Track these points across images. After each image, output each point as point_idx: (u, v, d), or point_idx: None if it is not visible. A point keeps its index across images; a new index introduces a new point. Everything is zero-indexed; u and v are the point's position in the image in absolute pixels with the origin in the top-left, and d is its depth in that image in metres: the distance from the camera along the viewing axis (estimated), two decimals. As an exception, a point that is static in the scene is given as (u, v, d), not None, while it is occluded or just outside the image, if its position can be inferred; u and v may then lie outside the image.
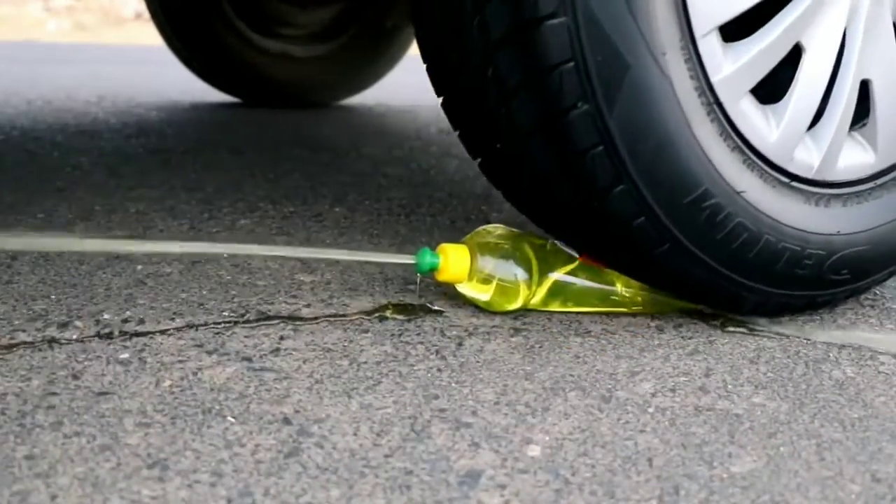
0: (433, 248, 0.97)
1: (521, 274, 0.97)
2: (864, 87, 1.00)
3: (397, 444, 0.71)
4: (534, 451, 0.71)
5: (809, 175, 0.99)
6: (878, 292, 1.17)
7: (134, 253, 1.15)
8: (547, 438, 0.74)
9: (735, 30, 0.92)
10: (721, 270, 0.96)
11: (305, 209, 1.46)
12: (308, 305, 1.00)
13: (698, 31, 0.88)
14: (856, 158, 1.02)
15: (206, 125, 2.42)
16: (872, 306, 1.12)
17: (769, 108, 0.96)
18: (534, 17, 0.83)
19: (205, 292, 1.02)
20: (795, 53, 0.95)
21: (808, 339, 0.99)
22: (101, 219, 1.33)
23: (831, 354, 0.95)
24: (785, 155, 0.96)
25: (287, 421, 0.74)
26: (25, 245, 0.96)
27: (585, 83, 0.85)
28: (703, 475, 0.69)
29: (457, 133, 1.03)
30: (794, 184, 0.98)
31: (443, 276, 0.97)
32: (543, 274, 0.98)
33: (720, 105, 0.91)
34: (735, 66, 0.91)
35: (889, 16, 0.99)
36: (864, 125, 1.03)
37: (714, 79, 0.90)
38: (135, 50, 2.78)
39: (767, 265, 0.97)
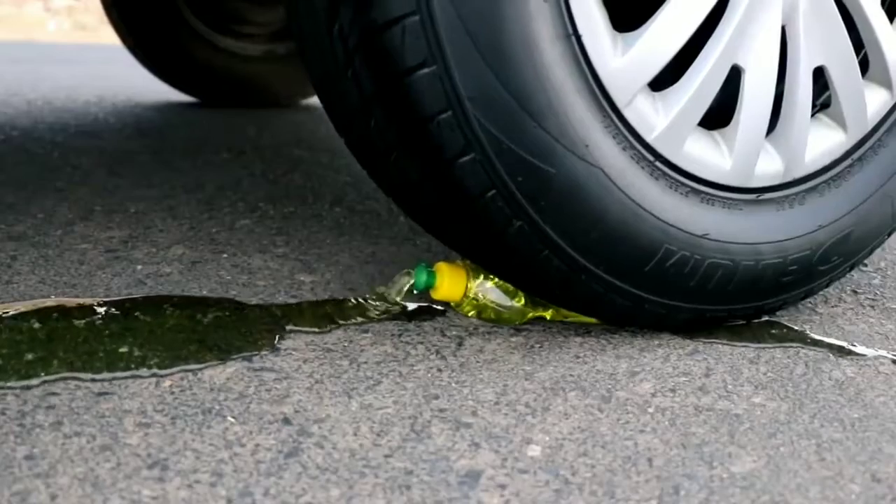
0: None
1: (515, 303, 0.97)
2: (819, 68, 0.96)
3: (397, 444, 0.71)
4: (534, 451, 0.71)
5: (777, 181, 0.96)
6: (878, 292, 1.17)
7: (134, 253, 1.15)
8: (547, 438, 0.74)
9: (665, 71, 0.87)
10: (704, 307, 0.95)
11: (305, 209, 1.46)
12: (308, 305, 1.00)
13: (621, 102, 0.85)
14: (826, 142, 0.99)
15: (206, 125, 2.42)
16: (872, 306, 1.12)
17: (718, 134, 0.93)
18: (443, 159, 0.81)
19: (205, 292, 1.02)
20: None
21: (808, 339, 0.99)
22: (101, 219, 1.33)
23: (831, 354, 0.95)
24: (746, 175, 0.94)
25: (287, 421, 0.74)
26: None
27: (512, 204, 0.82)
28: (703, 475, 0.69)
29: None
30: (764, 196, 0.95)
31: (438, 295, 0.96)
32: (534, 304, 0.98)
33: (663, 159, 0.88)
34: (670, 118, 0.87)
35: None
36: (828, 106, 1.00)
37: (650, 138, 0.87)
38: (135, 50, 2.80)
39: (752, 286, 0.95)
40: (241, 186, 1.62)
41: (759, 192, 0.95)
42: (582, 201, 0.84)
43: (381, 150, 0.85)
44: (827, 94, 1.00)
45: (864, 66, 1.00)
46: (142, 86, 3.22)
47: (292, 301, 1.01)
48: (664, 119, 0.88)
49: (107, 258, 1.14)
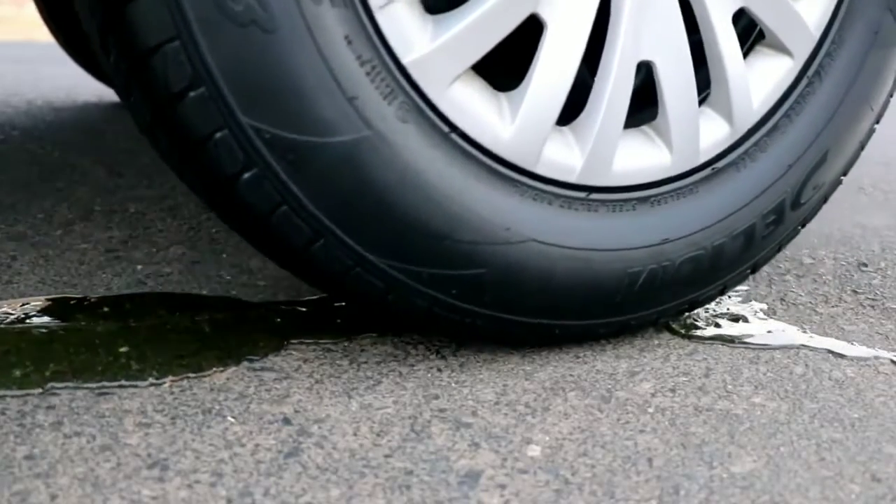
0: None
1: None
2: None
3: (397, 444, 0.71)
4: (534, 451, 0.72)
5: (728, 143, 0.89)
6: (878, 292, 1.17)
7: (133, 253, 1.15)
8: (547, 438, 0.74)
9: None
10: (693, 297, 0.93)
11: (305, 209, 1.46)
12: (308, 305, 1.00)
13: (530, 163, 0.80)
14: (774, 74, 0.91)
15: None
16: (872, 306, 1.12)
17: (649, 128, 0.88)
18: (377, 300, 0.80)
19: (205, 292, 1.02)
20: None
21: (808, 339, 0.99)
22: (100, 219, 1.33)
23: (831, 354, 0.95)
24: (690, 157, 0.88)
25: (287, 421, 0.74)
26: None
27: (458, 310, 0.82)
28: (703, 475, 0.69)
29: None
30: (717, 165, 0.89)
31: None
32: None
33: (596, 189, 0.84)
34: (588, 148, 0.82)
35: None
36: (765, 36, 0.92)
37: (574, 178, 0.83)
38: (135, 50, 2.78)
39: (735, 258, 0.92)
40: (241, 186, 1.62)
41: (711, 165, 0.89)
42: (524, 277, 0.81)
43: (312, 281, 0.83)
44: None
45: None
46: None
47: (292, 300, 1.01)
48: (582, 153, 0.83)
49: (107, 258, 1.14)
